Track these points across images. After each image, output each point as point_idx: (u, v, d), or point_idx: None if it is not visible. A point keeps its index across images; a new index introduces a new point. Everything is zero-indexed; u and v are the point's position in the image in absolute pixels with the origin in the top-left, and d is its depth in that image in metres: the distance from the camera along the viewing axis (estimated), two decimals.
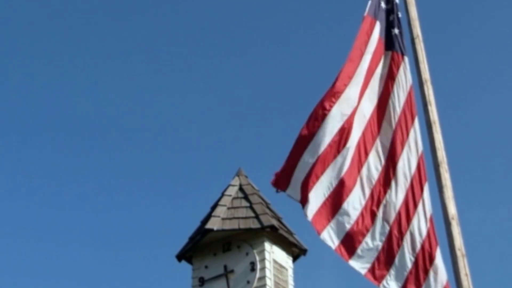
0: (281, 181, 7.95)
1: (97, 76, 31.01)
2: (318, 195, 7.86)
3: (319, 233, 7.77)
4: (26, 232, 28.87)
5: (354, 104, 8.17)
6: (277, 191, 7.99)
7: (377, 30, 8.65)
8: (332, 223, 7.84)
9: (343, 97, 8.15)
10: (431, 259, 7.73)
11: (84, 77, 30.75)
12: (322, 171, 7.94)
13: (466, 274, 7.31)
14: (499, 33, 30.01)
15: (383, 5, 8.86)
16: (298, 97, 30.12)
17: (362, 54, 8.39)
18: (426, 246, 7.78)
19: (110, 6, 31.76)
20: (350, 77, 8.22)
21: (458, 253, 7.38)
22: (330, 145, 8.01)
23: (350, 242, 7.80)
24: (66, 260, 28.08)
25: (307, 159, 7.94)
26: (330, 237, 7.79)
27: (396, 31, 8.77)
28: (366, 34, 8.54)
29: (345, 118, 8.08)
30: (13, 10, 30.65)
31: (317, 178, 7.92)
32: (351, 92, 8.18)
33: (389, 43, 8.71)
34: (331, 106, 8.07)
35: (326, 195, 7.89)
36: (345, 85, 8.18)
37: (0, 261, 28.29)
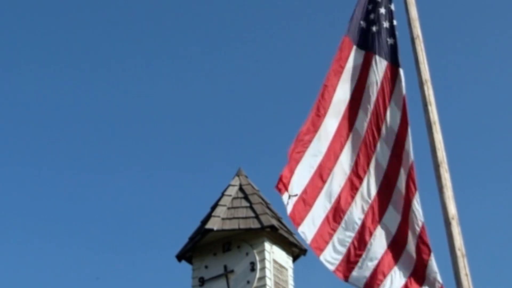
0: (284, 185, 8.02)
1: (97, 78, 31.04)
2: (315, 217, 7.96)
3: (318, 256, 7.89)
4: (23, 231, 28.89)
5: (330, 137, 8.25)
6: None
7: (353, 55, 8.63)
8: (330, 245, 7.95)
9: (321, 130, 8.24)
10: (421, 271, 7.75)
11: (87, 74, 30.77)
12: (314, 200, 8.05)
13: (466, 274, 7.31)
14: (499, 33, 30.04)
15: (371, 16, 8.81)
16: (298, 97, 30.14)
17: (337, 83, 8.44)
18: (415, 257, 7.81)
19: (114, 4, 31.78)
20: (326, 109, 8.30)
21: (458, 253, 7.39)
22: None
23: (347, 262, 7.93)
24: (66, 259, 28.10)
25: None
26: (329, 259, 7.90)
27: (391, 40, 8.72)
28: (342, 59, 8.56)
29: (322, 153, 8.18)
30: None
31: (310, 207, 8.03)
32: (327, 124, 8.28)
33: (384, 52, 8.66)
34: (303, 149, 8.15)
35: (323, 216, 7.99)
36: (320, 118, 8.27)
37: (1, 260, 28.30)
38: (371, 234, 7.97)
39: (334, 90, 8.37)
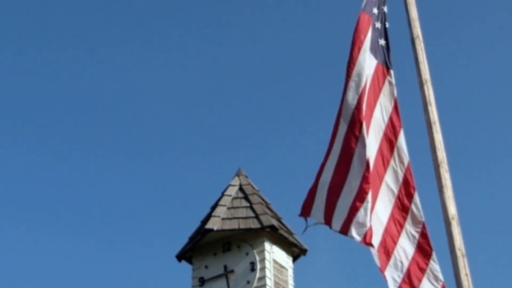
0: (305, 210, 8.02)
1: (96, 76, 31.07)
2: (342, 211, 7.91)
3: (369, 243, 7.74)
4: (23, 233, 28.90)
5: (350, 114, 8.23)
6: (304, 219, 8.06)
7: (370, 30, 8.59)
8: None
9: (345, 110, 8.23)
10: (422, 269, 7.75)
11: (86, 72, 30.80)
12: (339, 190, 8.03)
13: (466, 274, 7.32)
14: (499, 33, 30.05)
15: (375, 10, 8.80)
16: (298, 97, 30.16)
17: (358, 55, 8.38)
18: (416, 258, 7.80)
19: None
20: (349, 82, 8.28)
21: (458, 253, 7.40)
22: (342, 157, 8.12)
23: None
24: (66, 259, 28.11)
25: (324, 180, 8.07)
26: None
27: (382, 42, 8.71)
28: (363, 32, 8.48)
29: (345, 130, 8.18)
30: None
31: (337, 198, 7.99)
32: (350, 99, 8.25)
33: (375, 51, 8.60)
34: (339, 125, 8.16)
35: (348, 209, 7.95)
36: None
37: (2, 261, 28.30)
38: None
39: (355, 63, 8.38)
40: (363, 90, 8.21)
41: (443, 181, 7.79)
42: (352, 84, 8.21)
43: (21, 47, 30.56)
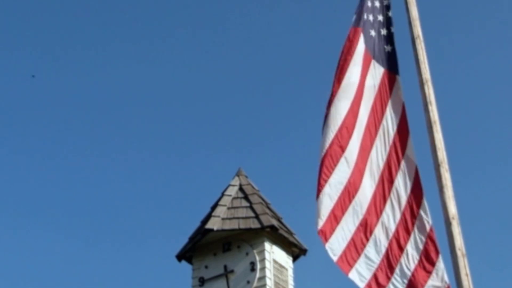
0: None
1: (95, 78, 31.06)
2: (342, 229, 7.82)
3: (347, 274, 7.71)
4: (23, 234, 28.90)
5: (339, 122, 8.17)
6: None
7: (362, 41, 8.58)
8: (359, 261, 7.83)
9: (331, 116, 8.17)
10: (428, 272, 7.74)
11: (86, 73, 30.79)
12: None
13: (467, 274, 7.32)
14: (499, 33, 30.06)
15: (370, 17, 8.78)
16: (298, 97, 30.16)
17: (347, 67, 8.36)
18: (423, 262, 7.79)
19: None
20: (335, 95, 8.24)
21: (459, 253, 7.39)
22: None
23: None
24: (66, 259, 28.11)
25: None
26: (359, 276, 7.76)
27: (389, 48, 8.71)
28: (352, 45, 8.49)
29: (332, 136, 8.10)
30: None
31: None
32: (340, 107, 8.20)
33: (382, 59, 8.63)
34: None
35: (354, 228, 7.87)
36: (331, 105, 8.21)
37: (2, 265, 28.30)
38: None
39: (344, 75, 8.32)
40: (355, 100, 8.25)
41: (444, 181, 7.78)
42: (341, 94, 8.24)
43: (20, 47, 30.58)
